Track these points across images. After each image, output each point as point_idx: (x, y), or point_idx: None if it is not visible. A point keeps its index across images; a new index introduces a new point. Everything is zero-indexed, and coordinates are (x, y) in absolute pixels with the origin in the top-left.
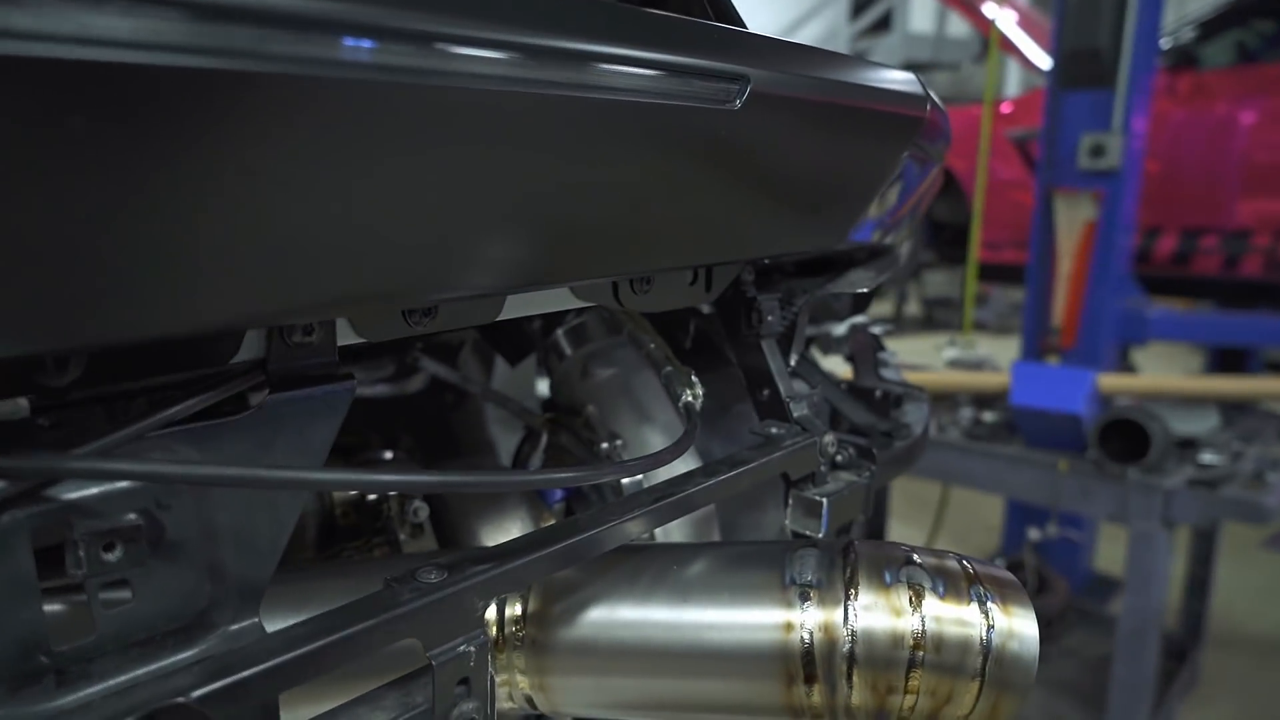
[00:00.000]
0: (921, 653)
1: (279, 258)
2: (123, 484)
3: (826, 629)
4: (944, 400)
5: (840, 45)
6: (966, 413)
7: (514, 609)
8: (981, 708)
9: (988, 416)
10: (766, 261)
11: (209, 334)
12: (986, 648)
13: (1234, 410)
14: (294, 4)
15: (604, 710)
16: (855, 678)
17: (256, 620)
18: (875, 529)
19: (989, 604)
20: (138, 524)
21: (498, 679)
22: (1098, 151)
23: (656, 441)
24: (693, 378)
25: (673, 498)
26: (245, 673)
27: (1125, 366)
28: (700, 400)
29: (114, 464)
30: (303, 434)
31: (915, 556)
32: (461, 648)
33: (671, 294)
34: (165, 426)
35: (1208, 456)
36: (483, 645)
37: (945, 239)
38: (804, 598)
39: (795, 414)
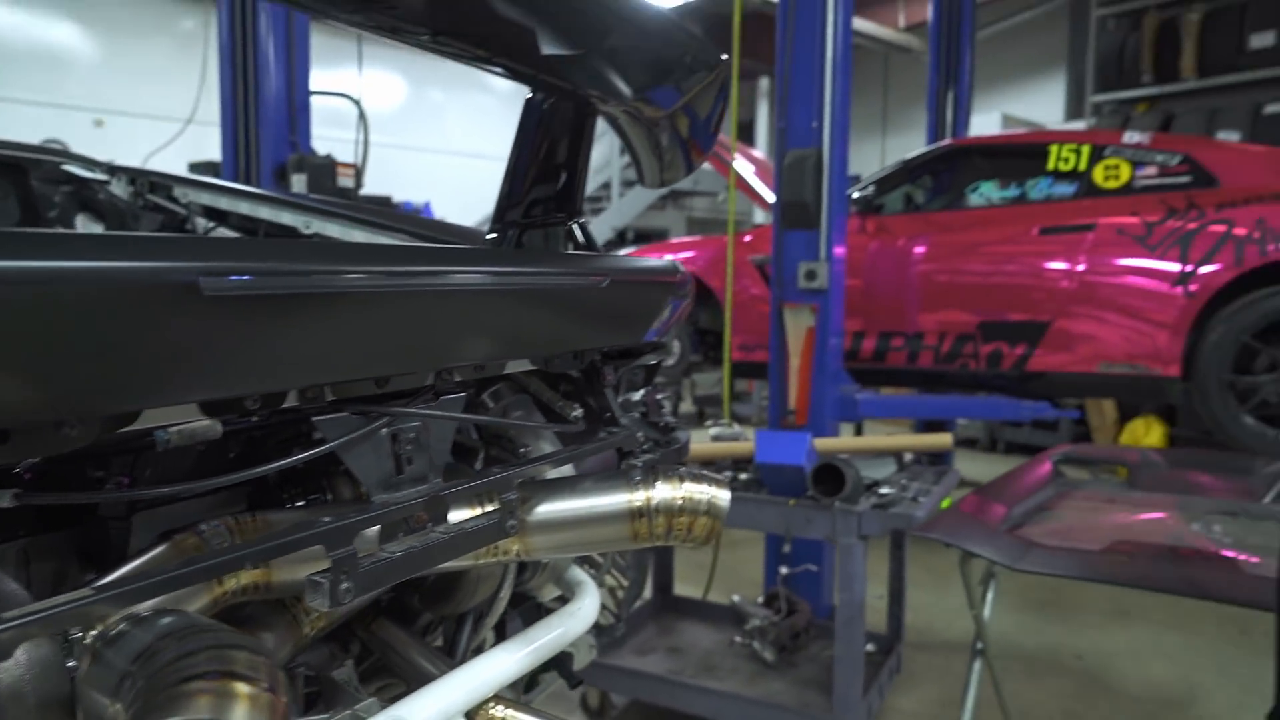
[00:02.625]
0: (683, 503)
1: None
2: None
3: (647, 498)
4: (710, 465)
5: (613, 173)
6: (727, 473)
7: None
8: (705, 527)
9: (743, 476)
10: (606, 349)
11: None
12: (709, 501)
13: (906, 460)
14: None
15: (554, 552)
16: (659, 516)
17: None
18: (664, 582)
19: (710, 485)
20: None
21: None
22: (811, 276)
23: (547, 448)
24: (574, 405)
25: (557, 455)
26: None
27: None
28: (580, 416)
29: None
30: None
31: (682, 470)
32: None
33: (568, 363)
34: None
35: (885, 490)
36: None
37: (708, 343)
38: (636, 487)
39: (623, 423)
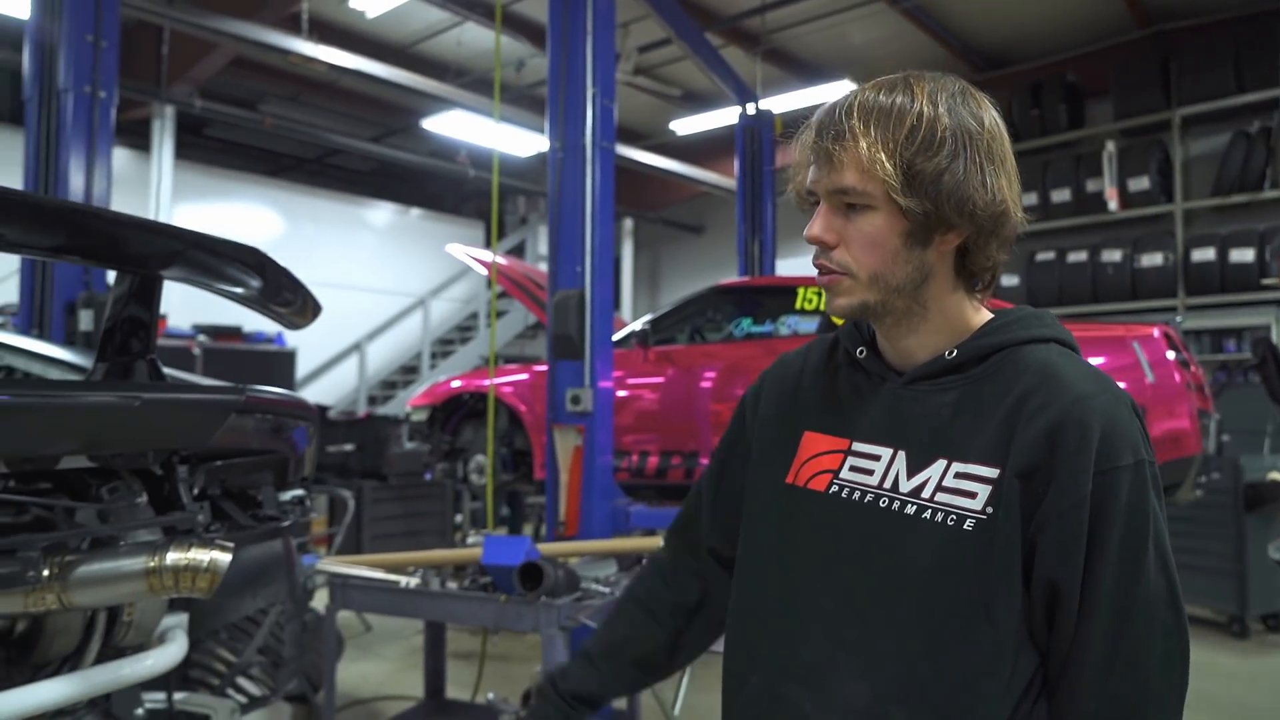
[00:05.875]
0: (187, 561)
1: None
2: None
3: (160, 558)
4: (463, 569)
5: (480, 305)
6: (469, 577)
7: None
8: (207, 580)
9: (484, 578)
10: (183, 450)
11: None
12: (209, 562)
13: (631, 561)
14: None
15: (94, 602)
16: (168, 573)
17: None
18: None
19: (212, 550)
20: None
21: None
22: (576, 400)
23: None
24: (141, 491)
25: (87, 531)
26: None
27: None
28: (145, 499)
29: None
30: None
31: (195, 540)
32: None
33: (141, 461)
34: None
35: (593, 585)
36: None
37: (528, 463)
38: (155, 549)
39: (185, 506)
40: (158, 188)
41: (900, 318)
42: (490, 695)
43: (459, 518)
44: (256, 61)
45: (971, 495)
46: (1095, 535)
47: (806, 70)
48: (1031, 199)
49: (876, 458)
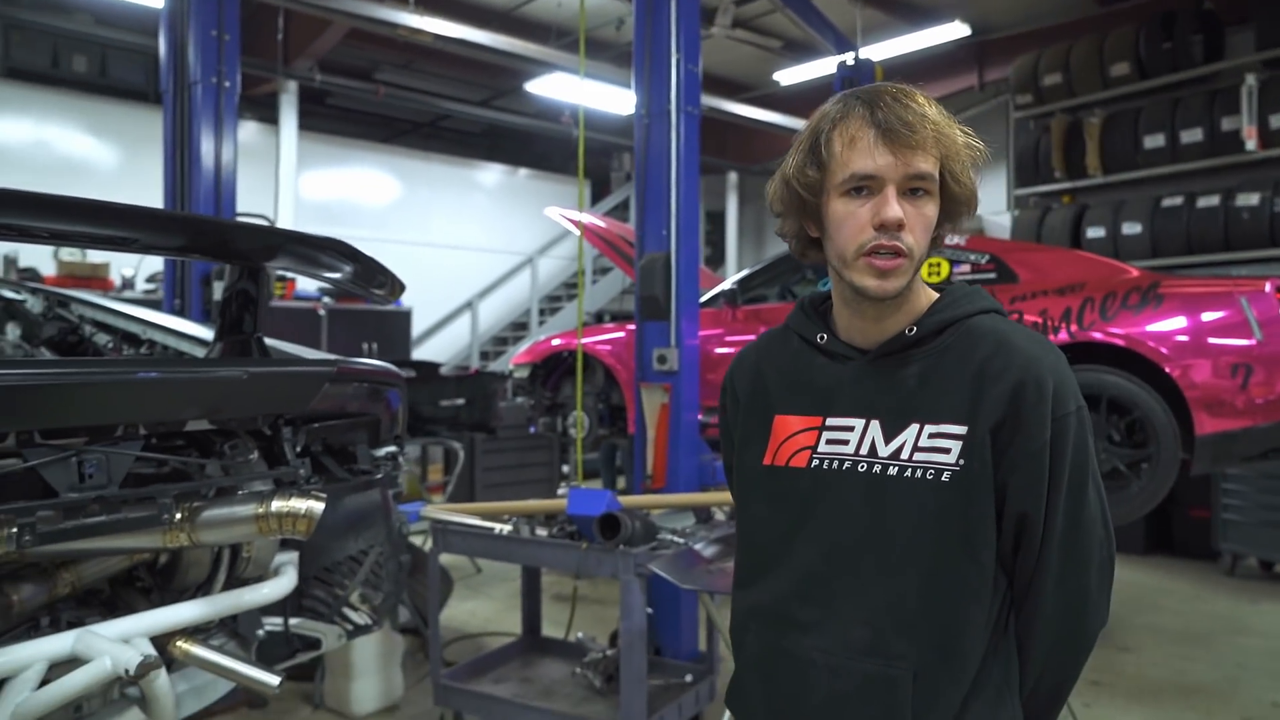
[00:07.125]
0: (288, 508)
1: None
2: None
3: (266, 507)
4: (554, 518)
5: (586, 263)
6: (557, 526)
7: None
8: (305, 524)
9: (572, 527)
10: (287, 414)
11: None
12: (305, 510)
13: (707, 514)
14: None
15: (218, 540)
16: (272, 515)
17: None
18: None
19: (308, 500)
20: None
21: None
22: (662, 360)
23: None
24: (252, 449)
25: (211, 481)
26: None
27: None
28: (257, 455)
29: None
30: None
31: (295, 490)
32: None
33: (253, 423)
34: None
35: (665, 536)
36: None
37: (620, 418)
38: (263, 498)
39: (290, 461)
40: (283, 157)
41: (902, 299)
42: (580, 634)
43: (565, 468)
44: (369, 33)
45: (946, 451)
46: (1053, 472)
47: (914, 14)
48: (1159, 140)
49: (850, 428)
